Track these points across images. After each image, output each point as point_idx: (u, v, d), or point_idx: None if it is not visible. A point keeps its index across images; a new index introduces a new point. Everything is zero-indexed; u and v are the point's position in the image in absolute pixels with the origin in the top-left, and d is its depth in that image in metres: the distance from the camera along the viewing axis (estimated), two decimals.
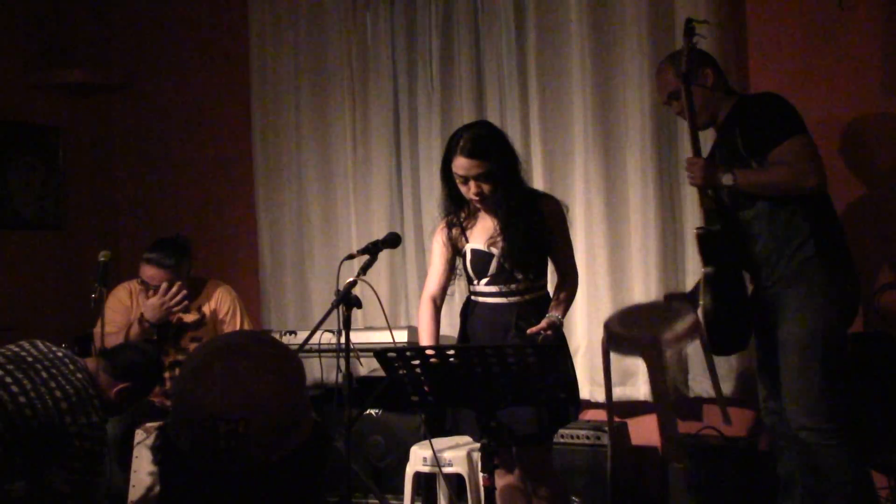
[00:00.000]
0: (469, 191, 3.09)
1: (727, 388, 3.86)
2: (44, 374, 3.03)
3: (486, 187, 3.07)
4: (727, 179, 3.10)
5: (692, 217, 4.01)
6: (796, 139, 3.06)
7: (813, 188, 3.06)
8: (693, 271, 4.04)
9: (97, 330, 3.86)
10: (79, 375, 3.09)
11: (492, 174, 3.05)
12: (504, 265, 3.12)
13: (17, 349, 3.12)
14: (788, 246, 3.09)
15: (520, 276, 3.13)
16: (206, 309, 4.14)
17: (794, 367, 3.05)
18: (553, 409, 3.04)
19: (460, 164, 3.06)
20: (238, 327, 4.14)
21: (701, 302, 3.18)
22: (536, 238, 3.12)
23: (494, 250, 3.13)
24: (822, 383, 3.01)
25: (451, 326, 4.12)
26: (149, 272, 3.97)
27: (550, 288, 3.25)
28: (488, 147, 3.06)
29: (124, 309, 4.05)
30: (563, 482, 3.37)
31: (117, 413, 3.42)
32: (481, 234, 3.18)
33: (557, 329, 3.03)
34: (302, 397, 1.38)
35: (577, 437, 3.91)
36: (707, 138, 3.44)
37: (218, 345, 1.39)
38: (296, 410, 1.35)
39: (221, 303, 4.15)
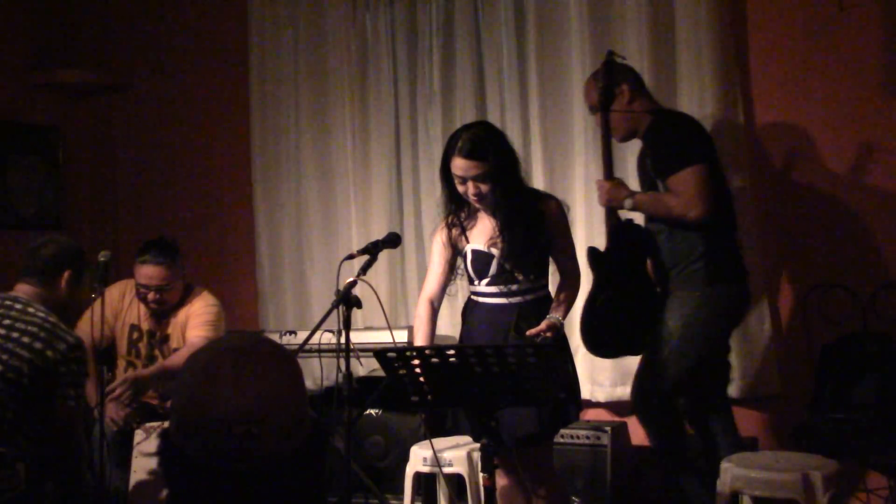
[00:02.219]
0: (468, 191, 3.08)
1: (730, 389, 3.85)
2: (1, 331, 3.00)
3: (484, 188, 3.06)
4: (628, 205, 3.36)
5: None
6: (690, 169, 3.24)
7: (696, 220, 3.25)
8: None
9: (81, 325, 3.85)
10: (30, 310, 3.06)
11: (490, 175, 3.04)
12: (504, 266, 3.11)
13: None
14: (684, 261, 3.32)
15: (520, 277, 3.12)
16: (183, 314, 4.09)
17: (673, 351, 3.32)
18: (554, 410, 3.04)
19: (459, 165, 3.06)
20: (196, 330, 3.98)
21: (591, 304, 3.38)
22: (537, 238, 3.11)
23: (495, 251, 3.12)
24: (692, 365, 3.36)
25: (452, 326, 4.12)
26: (147, 272, 3.94)
27: (552, 288, 3.25)
28: (487, 148, 3.04)
29: (112, 308, 4.03)
30: (563, 482, 3.37)
31: (78, 305, 3.39)
32: (481, 234, 3.17)
33: (558, 330, 3.02)
34: (304, 394, 1.41)
35: (577, 437, 3.91)
36: (633, 147, 3.64)
37: (220, 349, 1.40)
38: (300, 407, 1.37)
39: (193, 308, 4.06)
